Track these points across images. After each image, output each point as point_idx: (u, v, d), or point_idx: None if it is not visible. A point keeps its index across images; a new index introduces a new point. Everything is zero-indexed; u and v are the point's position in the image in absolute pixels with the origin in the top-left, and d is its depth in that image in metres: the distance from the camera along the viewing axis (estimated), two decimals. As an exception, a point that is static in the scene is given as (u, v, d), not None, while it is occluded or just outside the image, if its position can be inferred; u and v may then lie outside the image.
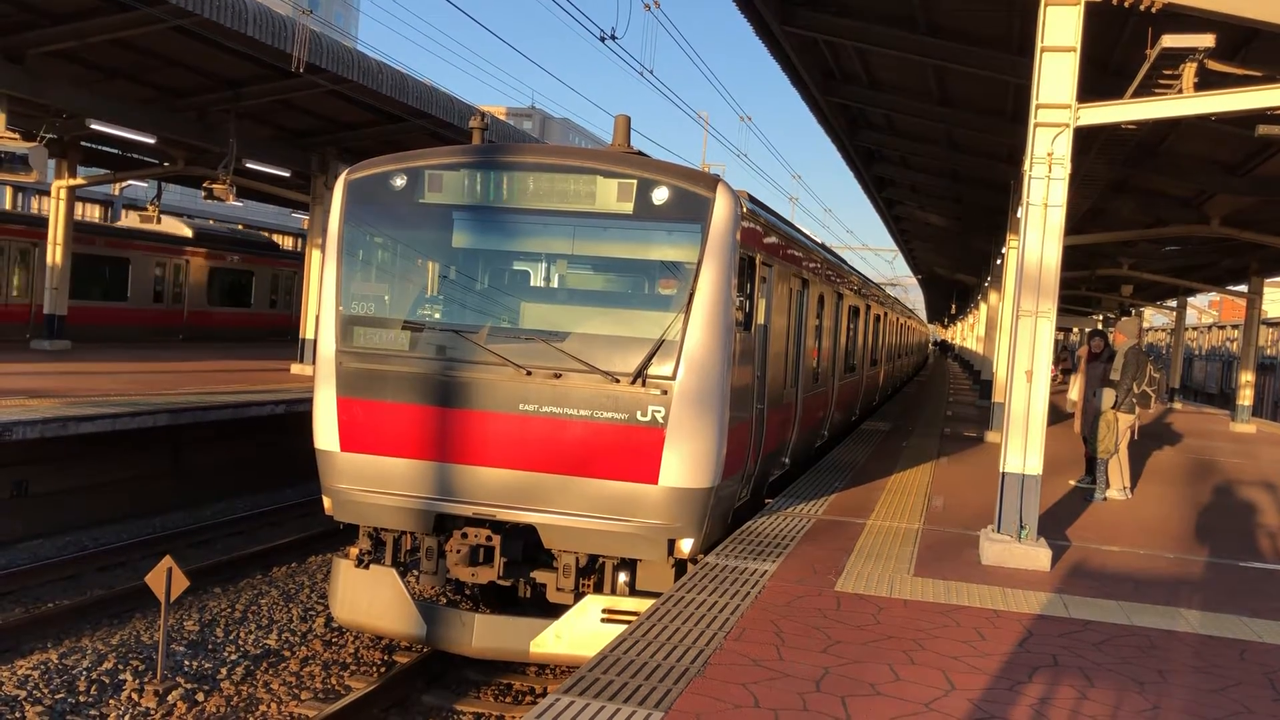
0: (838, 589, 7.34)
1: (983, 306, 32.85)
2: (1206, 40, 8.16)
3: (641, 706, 4.93)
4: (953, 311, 66.84)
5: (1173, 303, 35.68)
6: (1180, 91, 8.69)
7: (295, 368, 21.27)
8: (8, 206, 36.50)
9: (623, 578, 8.41)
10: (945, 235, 34.05)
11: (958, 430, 19.61)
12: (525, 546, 8.46)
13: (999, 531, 8.49)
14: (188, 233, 30.05)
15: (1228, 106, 8.44)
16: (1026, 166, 8.28)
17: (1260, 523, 11.58)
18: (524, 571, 8.59)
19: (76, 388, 15.19)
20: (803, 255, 12.02)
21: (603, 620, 8.11)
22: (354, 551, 8.87)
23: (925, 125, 18.11)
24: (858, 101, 17.17)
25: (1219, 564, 9.12)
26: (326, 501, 8.78)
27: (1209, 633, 6.85)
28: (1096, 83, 10.05)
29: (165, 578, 8.46)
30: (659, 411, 7.85)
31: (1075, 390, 13.42)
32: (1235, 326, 46.40)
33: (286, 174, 22.66)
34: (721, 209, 8.12)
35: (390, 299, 8.98)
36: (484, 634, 8.40)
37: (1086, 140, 11.09)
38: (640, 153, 9.13)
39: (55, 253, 21.91)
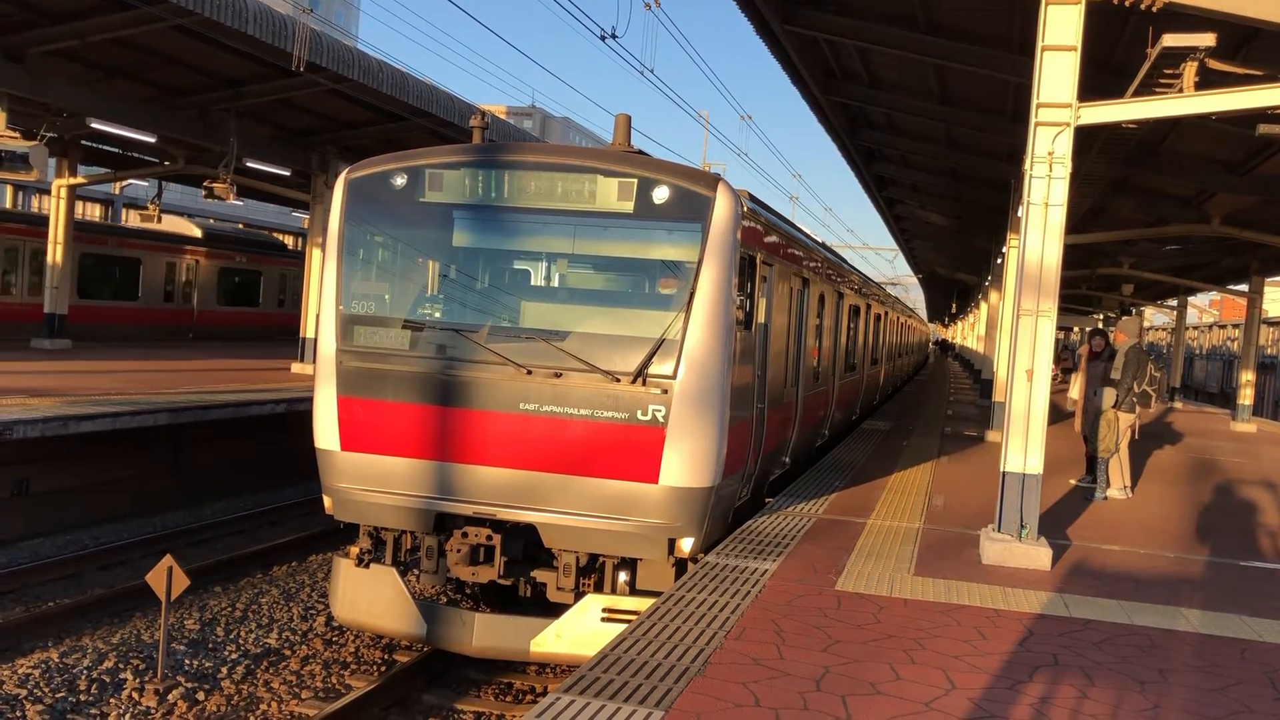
0: (838, 588, 7.34)
1: (983, 305, 32.85)
2: (1207, 39, 8.16)
3: (642, 706, 4.93)
4: (953, 310, 66.86)
5: (1173, 302, 35.69)
6: (1181, 91, 8.69)
7: (295, 367, 21.28)
8: (8, 205, 36.50)
9: (623, 577, 8.40)
10: (946, 234, 34.05)
11: (958, 429, 19.61)
12: (525, 546, 8.46)
13: (999, 531, 8.49)
14: (197, 233, 30.24)
15: (1228, 106, 8.44)
16: (1027, 165, 8.27)
17: (1261, 522, 11.58)
18: (524, 571, 8.59)
19: (77, 387, 15.19)
20: (803, 254, 12.02)
21: (603, 619, 8.11)
22: (354, 551, 8.87)
23: (926, 124, 18.11)
24: (858, 100, 17.17)
25: (1219, 563, 9.11)
26: (327, 501, 8.78)
27: (1209, 632, 6.85)
28: (1097, 82, 10.05)
29: (166, 577, 8.46)
30: (659, 411, 7.85)
31: (1076, 389, 13.42)
32: (1236, 326, 46.40)
33: (287, 173, 22.67)
34: (722, 208, 8.12)
35: (391, 298, 8.97)
36: (484, 633, 8.40)
37: (1087, 139, 11.09)
38: (641, 152, 9.13)
39: (55, 252, 21.91)
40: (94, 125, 18.44)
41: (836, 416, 16.01)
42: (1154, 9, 8.03)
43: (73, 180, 22.15)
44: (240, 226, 39.00)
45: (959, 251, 36.52)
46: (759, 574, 7.53)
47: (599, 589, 8.46)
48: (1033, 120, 8.24)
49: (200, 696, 8.48)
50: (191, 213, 36.61)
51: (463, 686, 9.05)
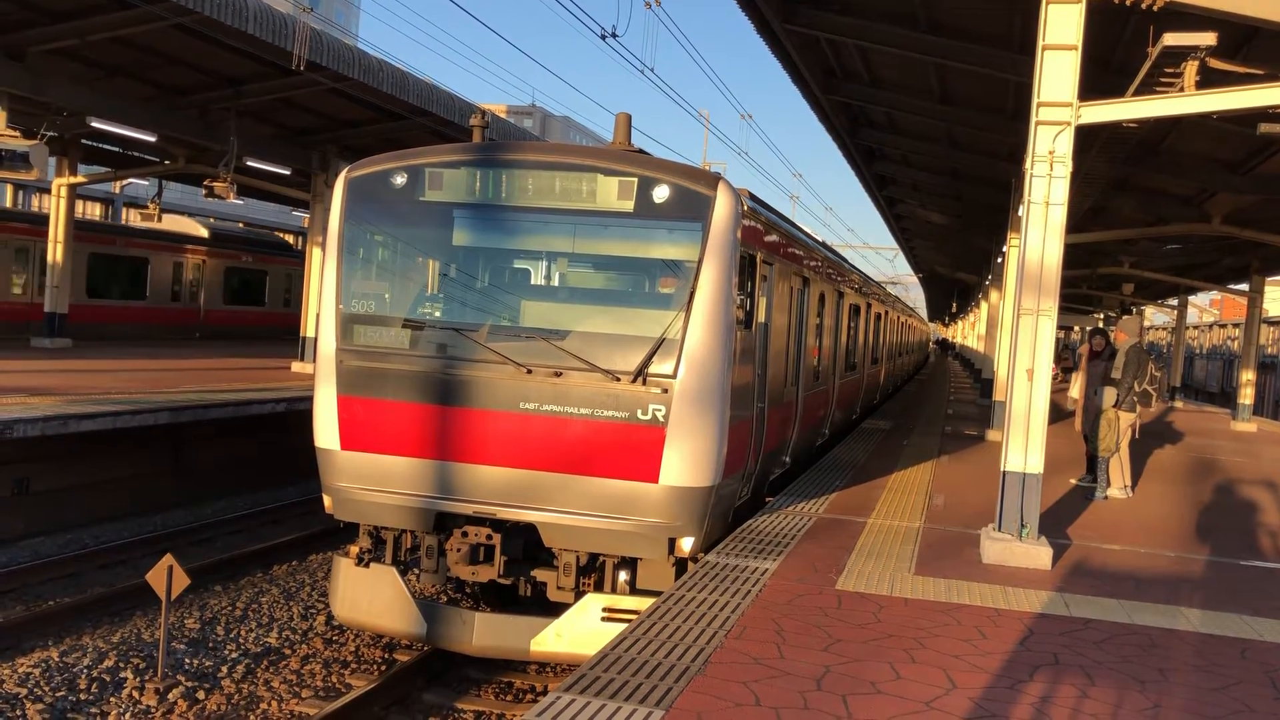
0: (839, 587, 7.34)
1: (983, 305, 32.84)
2: (1208, 38, 8.15)
3: (643, 705, 4.92)
4: (953, 310, 66.85)
5: (1174, 301, 35.68)
6: (1181, 90, 8.68)
7: (296, 366, 21.28)
8: (9, 205, 36.51)
9: (623, 576, 8.40)
10: (946, 233, 34.05)
11: (958, 429, 19.60)
12: (525, 545, 8.45)
13: (1000, 530, 8.48)
14: (204, 233, 30.42)
15: (1229, 105, 8.44)
16: (1028, 165, 8.27)
17: (1261, 521, 11.58)
18: (524, 570, 8.59)
19: (77, 386, 15.19)
20: (803, 253, 12.01)
21: (603, 619, 8.10)
22: (354, 550, 8.86)
23: (926, 123, 18.11)
24: (859, 99, 17.17)
25: (1220, 562, 9.11)
26: (327, 500, 8.78)
27: (1210, 631, 6.85)
28: (1098, 81, 10.04)
29: (166, 576, 8.46)
30: (659, 410, 7.84)
31: (1076, 388, 13.42)
32: (1236, 325, 46.40)
33: (287, 172, 22.67)
34: (722, 207, 8.11)
35: (391, 297, 8.97)
36: (484, 632, 8.40)
37: (1088, 138, 11.08)
38: (641, 151, 9.12)
39: (56, 251, 21.90)
40: (94, 124, 18.44)
41: (837, 416, 16.00)
42: (1154, 8, 8.02)
43: (73, 179, 22.16)
44: (241, 225, 39.03)
45: (959, 251, 36.51)
46: (759, 573, 7.52)
47: (599, 588, 8.46)
48: (1033, 119, 8.24)
49: (200, 695, 8.48)
50: (192, 212, 36.65)
51: (463, 685, 9.05)
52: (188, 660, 9.20)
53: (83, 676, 8.62)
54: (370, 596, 8.72)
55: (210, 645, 9.62)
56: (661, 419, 7.83)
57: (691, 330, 7.89)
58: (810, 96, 16.59)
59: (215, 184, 19.87)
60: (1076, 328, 45.21)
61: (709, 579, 7.29)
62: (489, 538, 8.35)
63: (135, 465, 14.78)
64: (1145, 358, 11.93)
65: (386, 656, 9.58)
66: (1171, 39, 8.23)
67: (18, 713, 7.90)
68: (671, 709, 4.90)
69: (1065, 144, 8.16)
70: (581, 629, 8.12)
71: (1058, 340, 12.31)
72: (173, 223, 30.19)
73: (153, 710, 8.16)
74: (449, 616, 8.58)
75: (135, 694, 8.39)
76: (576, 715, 4.78)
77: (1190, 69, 8.57)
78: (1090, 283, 30.85)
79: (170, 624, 9.16)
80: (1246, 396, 25.97)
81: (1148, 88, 8.90)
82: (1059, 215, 8.23)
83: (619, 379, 7.90)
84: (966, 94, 15.44)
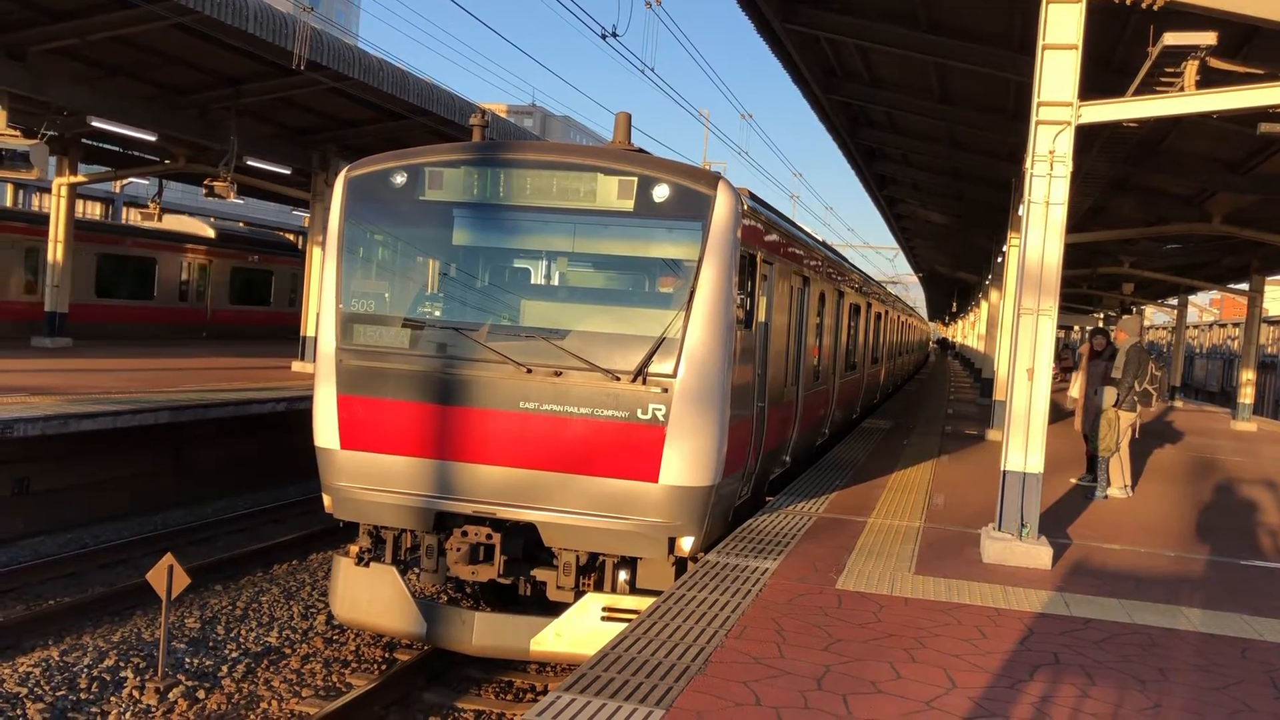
0: (839, 587, 7.33)
1: (984, 304, 32.83)
2: (1208, 38, 8.15)
3: (643, 704, 4.92)
4: (953, 309, 66.85)
5: (1174, 301, 35.67)
6: (1182, 89, 8.68)
7: (296, 365, 21.28)
8: (9, 204, 36.54)
9: (623, 576, 8.40)
10: (946, 233, 34.04)
11: (959, 428, 19.60)
12: (525, 544, 8.45)
13: (1000, 529, 8.48)
14: (210, 233, 30.60)
15: (1229, 104, 8.44)
16: (1028, 164, 8.27)
17: (1261, 521, 11.58)
18: (524, 569, 8.59)
19: (78, 385, 15.19)
20: (803, 253, 12.01)
21: (603, 618, 8.10)
22: (354, 549, 8.86)
23: (927, 123, 18.11)
24: (859, 99, 17.16)
25: (1220, 562, 9.11)
26: (326, 499, 8.78)
27: (1210, 631, 6.85)
28: (1098, 80, 10.04)
29: (166, 575, 8.46)
30: (659, 409, 7.84)
31: (1076, 388, 13.42)
32: (1236, 325, 46.39)
33: (287, 171, 22.68)
34: (722, 207, 8.11)
35: (390, 296, 8.97)
36: (484, 632, 8.40)
37: (1088, 138, 11.08)
38: (641, 150, 9.12)
39: (56, 250, 21.90)
40: (95, 124, 18.44)
41: (837, 415, 16.00)
42: (1155, 8, 8.02)
43: (73, 179, 22.15)
44: (241, 225, 39.06)
45: (959, 250, 36.51)
46: (760, 573, 7.52)
47: (599, 588, 8.46)
48: (1034, 119, 8.24)
49: (201, 695, 8.48)
50: (192, 211, 36.70)
51: (463, 685, 9.05)
52: (188, 659, 9.20)
53: (83, 676, 8.62)
54: (370, 596, 8.72)
55: (210, 644, 9.62)
56: (661, 418, 7.83)
57: (691, 330, 7.89)
58: (810, 96, 16.59)
59: (215, 183, 19.87)
60: (1076, 327, 45.23)
61: (709, 578, 7.29)
62: (489, 537, 8.35)
63: (136, 465, 14.78)
64: (1146, 357, 11.93)
65: (387, 656, 9.58)
66: (1172, 38, 8.23)
67: (18, 712, 7.90)
68: (672, 708, 4.90)
69: (1065, 143, 8.16)
70: (581, 628, 8.12)
71: (1057, 340, 12.31)
72: (180, 223, 30.41)
73: (153, 709, 8.16)
74: (449, 616, 8.58)
75: (135, 693, 8.39)
76: (577, 715, 4.78)
77: (1190, 69, 8.57)
78: (1090, 282, 30.85)
79: (170, 623, 9.16)
80: (1246, 396, 25.97)
81: (1148, 87, 8.90)
82: (1059, 215, 8.23)
83: (619, 378, 7.90)
84: (967, 93, 15.44)
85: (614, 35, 17.69)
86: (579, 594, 8.34)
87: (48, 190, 27.12)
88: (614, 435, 7.91)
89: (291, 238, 40.42)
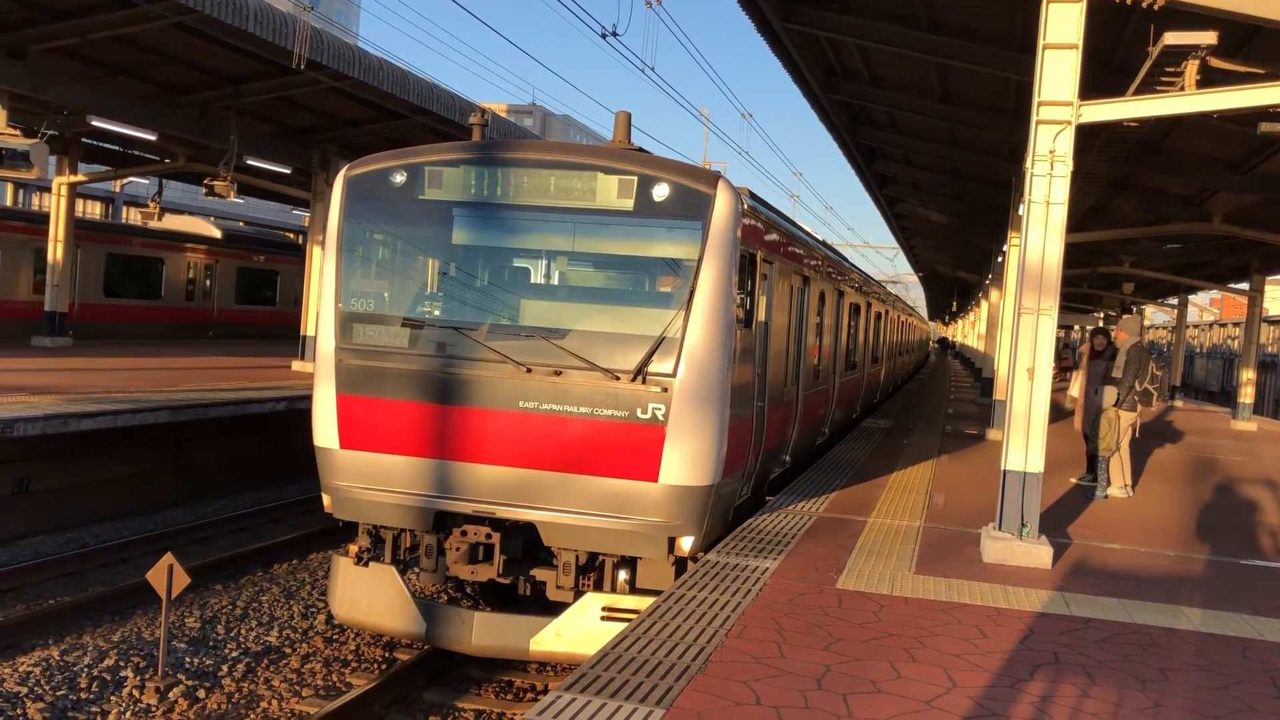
0: (839, 586, 7.33)
1: (984, 304, 32.83)
2: (1208, 37, 8.14)
3: (643, 704, 4.92)
4: (954, 309, 66.84)
5: (1174, 300, 35.66)
6: (1182, 89, 8.67)
7: (296, 365, 21.28)
8: (9, 204, 36.56)
9: (623, 575, 8.40)
10: (946, 233, 34.03)
11: (959, 428, 19.60)
12: (525, 544, 8.45)
13: (1000, 529, 8.48)
14: (217, 234, 30.79)
15: (1230, 104, 8.43)
16: (1028, 164, 8.26)
17: (1261, 520, 11.57)
18: (524, 569, 8.58)
19: (78, 384, 15.19)
20: (803, 252, 12.01)
21: (603, 618, 8.10)
22: (353, 549, 8.86)
23: (927, 122, 18.10)
24: (859, 99, 17.16)
25: (1220, 562, 9.11)
26: (326, 499, 8.77)
27: (1210, 630, 6.84)
28: (1098, 80, 10.04)
29: (166, 574, 8.46)
30: (659, 409, 7.84)
31: (1076, 387, 13.42)
32: (1236, 324, 46.39)
33: (287, 171, 22.68)
34: (722, 206, 8.10)
35: (390, 296, 8.96)
36: (483, 632, 8.39)
37: (1088, 138, 11.08)
38: (641, 149, 9.11)
39: (56, 250, 21.91)
40: (95, 123, 18.44)
41: (837, 415, 16.00)
42: (1155, 7, 8.01)
43: (73, 178, 22.16)
44: (242, 224, 39.11)
45: (960, 250, 36.50)
46: (760, 572, 7.52)
47: (598, 587, 8.45)
48: (1034, 118, 8.23)
49: (201, 694, 8.48)
50: (192, 210, 36.74)
51: (463, 684, 9.05)
52: (188, 659, 9.20)
53: (83, 675, 8.62)
54: (369, 596, 8.72)
55: (211, 644, 9.61)
56: (661, 418, 7.83)
57: (691, 329, 7.88)
58: (811, 95, 16.58)
59: (215, 183, 19.88)
60: (1076, 327, 45.22)
61: (709, 578, 7.28)
62: (488, 537, 8.35)
63: (136, 464, 14.78)
64: (1147, 357, 11.93)
65: (387, 655, 9.58)
66: (1172, 38, 8.22)
67: (18, 711, 7.90)
68: (672, 708, 4.90)
69: (1066, 143, 8.15)
70: (581, 628, 8.12)
71: (1057, 340, 12.31)
72: (186, 223, 30.63)
73: (153, 709, 8.16)
74: (448, 616, 8.58)
75: (136, 693, 8.39)
76: (577, 714, 4.78)
77: (1191, 68, 8.57)
78: (1091, 282, 30.84)
79: (171, 623, 9.16)
80: (1247, 395, 25.95)
81: (1148, 87, 8.90)
82: (1059, 214, 8.22)
83: (619, 378, 7.89)
84: (967, 93, 15.43)
85: (614, 35, 17.69)
86: (579, 594, 8.34)
87: (48, 190, 27.18)
88: (614, 435, 7.91)
89: (292, 237, 40.47)
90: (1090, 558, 8.87)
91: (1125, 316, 15.15)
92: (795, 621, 6.42)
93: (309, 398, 8.90)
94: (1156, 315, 59.24)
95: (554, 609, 8.35)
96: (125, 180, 35.17)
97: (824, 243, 16.78)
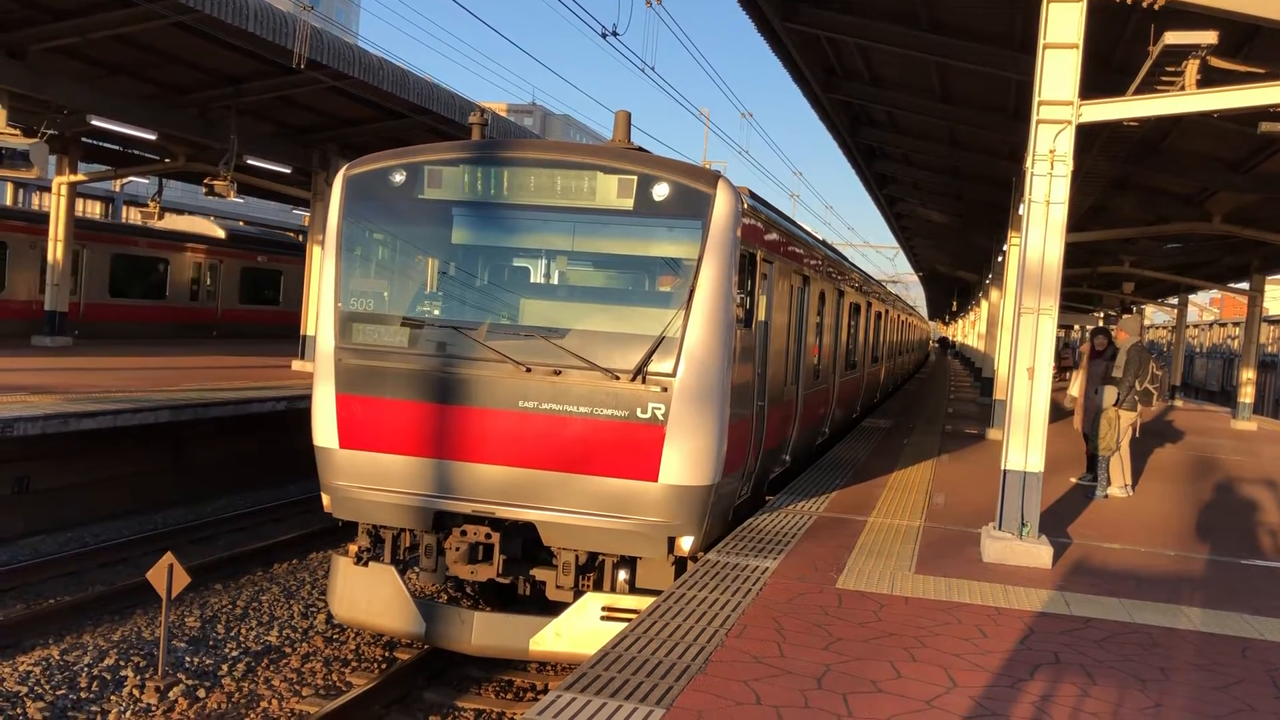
0: (839, 586, 7.33)
1: (984, 304, 32.82)
2: (1209, 37, 8.14)
3: (643, 703, 4.92)
4: (954, 308, 66.84)
5: (1174, 300, 35.65)
6: (1182, 88, 8.67)
7: (296, 364, 21.28)
8: (9, 203, 36.56)
9: (622, 575, 8.39)
10: (946, 232, 34.03)
11: (959, 428, 19.59)
12: (524, 544, 8.45)
13: (1000, 529, 8.48)
14: (221, 234, 30.95)
15: (1230, 103, 8.43)
16: (1028, 163, 8.26)
17: (1261, 520, 11.57)
18: (523, 569, 8.58)
19: (78, 384, 15.19)
20: (803, 252, 12.00)
21: (602, 618, 8.10)
22: (353, 549, 8.85)
23: (927, 122, 18.09)
24: (859, 98, 17.16)
25: (1220, 561, 9.10)
26: (325, 499, 8.77)
27: (1211, 630, 6.84)
28: (1099, 79, 10.03)
29: (166, 574, 8.46)
30: (659, 409, 7.83)
31: (1075, 387, 13.42)
32: (1236, 324, 46.39)
33: (287, 170, 22.68)
34: (722, 205, 8.10)
35: (389, 295, 8.95)
36: (483, 632, 8.39)
37: (1088, 137, 11.08)
38: (640, 148, 9.11)
39: (56, 249, 21.91)
40: (95, 122, 18.45)
41: (837, 414, 16.00)
42: (1155, 7, 8.01)
43: (73, 177, 22.16)
44: (243, 224, 39.14)
45: (960, 249, 36.50)
46: (760, 572, 7.52)
47: (598, 587, 8.45)
48: (1034, 118, 8.23)
49: (201, 694, 8.48)
50: (192, 210, 36.78)
51: (463, 684, 9.05)
52: (188, 658, 9.20)
53: (83, 675, 8.62)
54: (369, 596, 8.71)
55: (211, 643, 9.61)
56: (661, 417, 7.82)
57: (691, 328, 7.88)
58: (811, 95, 16.58)
59: (215, 182, 19.88)
60: (1076, 327, 45.22)
61: (709, 577, 7.28)
62: (488, 536, 8.35)
63: (136, 463, 14.78)
64: (1147, 356, 11.93)
65: (387, 655, 9.58)
66: (1172, 38, 8.22)
67: (18, 711, 7.90)
68: (672, 708, 4.90)
69: (1066, 143, 8.15)
70: (581, 628, 8.12)
71: (1057, 339, 12.30)
72: (191, 224, 30.81)
73: (153, 708, 8.16)
74: (448, 616, 8.57)
75: (136, 692, 8.39)
76: (577, 714, 4.78)
77: (1191, 68, 8.56)
78: (1091, 281, 30.84)
79: (171, 622, 9.16)
80: (1247, 395, 25.95)
81: (1149, 86, 8.89)
82: (1060, 214, 8.22)
83: (618, 377, 7.89)
84: (967, 93, 15.43)
85: (614, 34, 17.69)
86: (578, 593, 8.33)
87: (47, 189, 27.19)
88: (613, 434, 7.90)
89: (293, 236, 40.51)
90: (1090, 557, 8.87)
91: (1125, 316, 15.17)
92: (795, 621, 6.42)
93: (309, 397, 8.90)
94: (1156, 315, 59.25)
95: (554, 609, 8.35)
96: (125, 180, 35.18)
97: (824, 242, 16.78)
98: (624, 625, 6.93)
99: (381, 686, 8.44)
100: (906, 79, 15.88)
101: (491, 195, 8.53)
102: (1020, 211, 9.56)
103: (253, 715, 8.21)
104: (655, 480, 7.85)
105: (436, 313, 8.75)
